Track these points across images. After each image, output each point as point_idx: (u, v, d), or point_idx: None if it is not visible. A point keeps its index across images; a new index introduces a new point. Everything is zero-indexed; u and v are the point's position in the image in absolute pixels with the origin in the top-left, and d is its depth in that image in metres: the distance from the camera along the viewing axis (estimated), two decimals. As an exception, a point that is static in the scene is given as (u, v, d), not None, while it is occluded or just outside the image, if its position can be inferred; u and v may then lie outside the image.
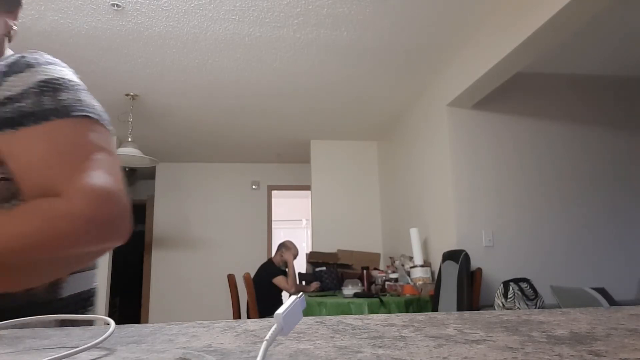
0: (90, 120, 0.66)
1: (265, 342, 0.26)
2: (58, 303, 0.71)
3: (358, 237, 5.12)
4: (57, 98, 0.65)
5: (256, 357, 0.26)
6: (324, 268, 4.12)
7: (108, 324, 0.39)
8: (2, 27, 0.77)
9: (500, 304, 2.78)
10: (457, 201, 3.29)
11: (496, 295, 2.88)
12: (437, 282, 3.21)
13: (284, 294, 4.28)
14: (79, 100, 0.67)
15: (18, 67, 0.67)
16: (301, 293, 0.33)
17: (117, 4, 2.56)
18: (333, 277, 4.05)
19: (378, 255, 4.73)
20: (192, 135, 5.00)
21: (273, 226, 6.80)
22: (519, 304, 2.71)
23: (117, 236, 0.62)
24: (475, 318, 0.47)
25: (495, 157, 3.38)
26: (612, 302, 2.44)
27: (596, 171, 3.47)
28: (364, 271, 3.79)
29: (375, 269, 4.23)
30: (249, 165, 6.32)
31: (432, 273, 3.59)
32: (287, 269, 4.18)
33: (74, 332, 0.44)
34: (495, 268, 3.17)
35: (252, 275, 3.91)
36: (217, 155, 5.88)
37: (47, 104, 0.64)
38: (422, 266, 3.50)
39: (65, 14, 2.65)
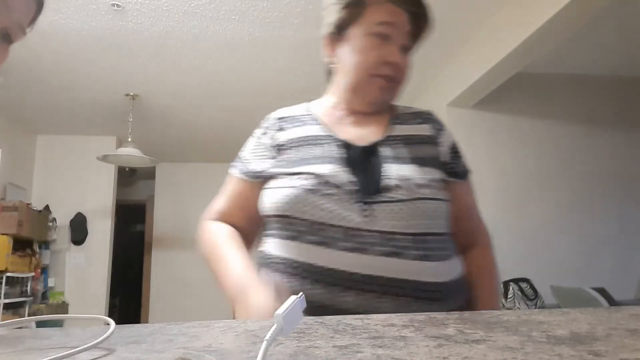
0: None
1: (265, 342, 0.26)
2: None
3: (358, 237, 5.11)
4: (464, 159, 0.90)
5: (256, 357, 0.26)
6: (324, 268, 4.12)
7: (108, 324, 0.39)
8: None
9: (500, 304, 2.78)
10: (457, 201, 3.28)
11: (496, 295, 2.88)
12: (437, 282, 3.20)
13: (284, 294, 4.28)
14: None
15: (439, 125, 0.90)
16: (301, 293, 0.33)
17: (117, 4, 2.56)
18: (333, 277, 4.04)
19: (378, 255, 4.72)
20: (192, 135, 4.99)
21: (273, 226, 6.77)
22: (519, 304, 2.71)
23: None
24: (475, 318, 0.47)
25: (495, 157, 3.38)
26: (612, 302, 2.44)
27: (596, 171, 3.46)
28: (364, 271, 3.79)
29: (375, 269, 4.22)
30: (249, 165, 6.30)
31: (432, 273, 3.58)
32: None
33: (74, 332, 0.44)
34: (495, 268, 3.16)
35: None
36: (217, 155, 5.87)
37: (466, 164, 0.90)
38: (422, 266, 3.50)
39: (65, 14, 2.65)
